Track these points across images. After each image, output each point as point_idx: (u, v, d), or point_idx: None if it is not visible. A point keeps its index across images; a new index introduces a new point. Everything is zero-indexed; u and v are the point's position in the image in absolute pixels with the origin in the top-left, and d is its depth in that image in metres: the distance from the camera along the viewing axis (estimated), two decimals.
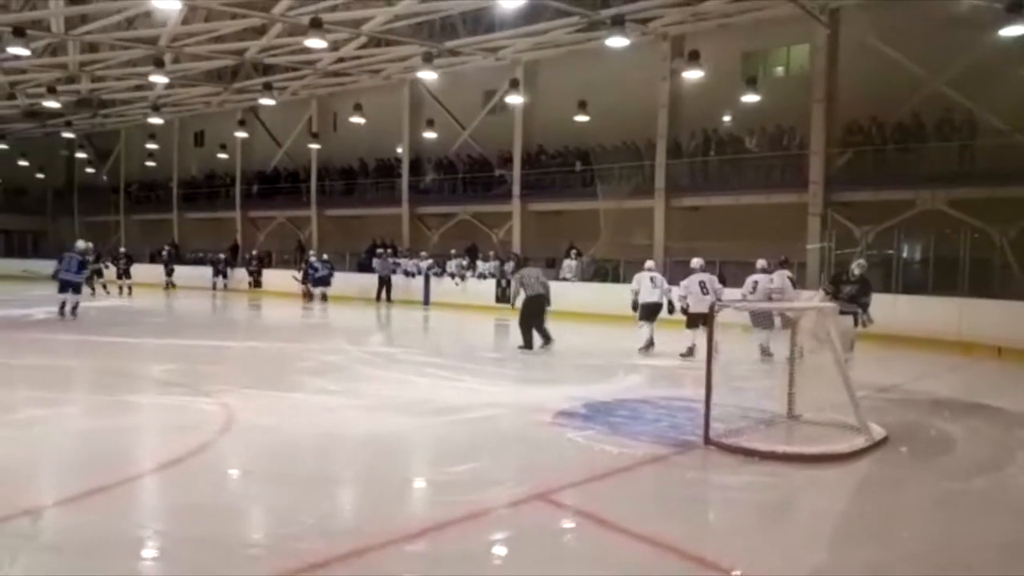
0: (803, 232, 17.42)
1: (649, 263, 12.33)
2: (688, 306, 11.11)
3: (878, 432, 6.24)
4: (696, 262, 11.58)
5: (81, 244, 16.81)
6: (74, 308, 15.45)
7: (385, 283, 22.72)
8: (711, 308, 6.73)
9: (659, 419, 6.98)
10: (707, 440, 5.94)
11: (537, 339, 11.75)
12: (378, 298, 22.56)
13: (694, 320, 10.82)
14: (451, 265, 22.20)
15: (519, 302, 11.95)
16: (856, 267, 10.66)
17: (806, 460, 5.68)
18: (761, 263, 11.88)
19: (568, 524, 4.51)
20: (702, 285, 11.04)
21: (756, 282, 11.46)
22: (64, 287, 15.38)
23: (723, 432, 6.05)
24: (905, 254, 16.81)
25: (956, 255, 14.97)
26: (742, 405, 6.97)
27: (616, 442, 6.07)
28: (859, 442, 5.99)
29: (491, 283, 20.89)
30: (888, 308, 14.24)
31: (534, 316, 11.78)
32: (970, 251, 14.87)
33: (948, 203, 15.89)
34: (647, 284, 11.60)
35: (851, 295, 10.24)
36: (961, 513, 4.89)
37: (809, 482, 5.42)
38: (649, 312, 11.57)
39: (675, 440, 6.17)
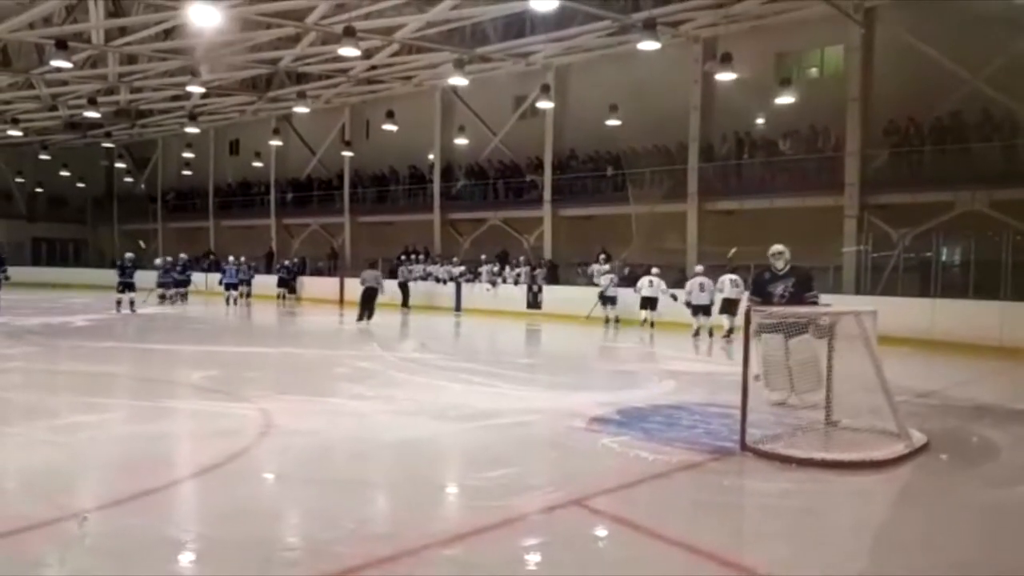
0: (839, 235, 17.18)
1: (655, 269, 16.72)
2: (691, 300, 14.87)
3: (919, 438, 6.14)
4: (698, 268, 15.55)
5: (232, 259, 25.14)
6: (235, 300, 23.99)
7: (403, 288, 22.80)
8: (747, 312, 6.65)
9: (694, 425, 6.93)
10: (743, 446, 5.88)
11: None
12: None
13: (695, 310, 14.85)
14: (484, 272, 22.31)
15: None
16: (775, 257, 8.02)
17: (845, 467, 5.59)
18: (699, 268, 15.51)
19: (603, 530, 4.50)
20: (700, 285, 14.88)
21: (702, 283, 14.88)
22: (228, 287, 24.15)
23: (760, 438, 5.99)
24: (944, 257, 16.50)
25: (998, 258, 14.65)
26: (779, 411, 6.90)
27: (651, 448, 6.03)
28: (899, 448, 5.89)
29: (522, 289, 20.95)
30: (927, 312, 14.06)
31: (368, 301, 17.57)
32: (1012, 254, 14.54)
33: (990, 204, 15.55)
34: (645, 284, 16.33)
35: (789, 294, 7.74)
36: (1004, 522, 4.79)
37: (848, 489, 5.34)
38: (646, 303, 16.31)
39: (711, 446, 6.12)
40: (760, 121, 19.46)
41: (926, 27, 16.31)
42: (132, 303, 19.57)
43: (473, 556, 3.98)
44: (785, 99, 17.85)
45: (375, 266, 18.91)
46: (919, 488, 5.50)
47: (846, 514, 4.97)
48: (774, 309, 6.72)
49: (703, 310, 14.69)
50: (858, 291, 16.32)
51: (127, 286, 19.63)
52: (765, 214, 18.64)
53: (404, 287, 22.81)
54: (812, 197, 17.98)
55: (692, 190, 19.88)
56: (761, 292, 8.01)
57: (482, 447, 6.33)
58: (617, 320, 17.66)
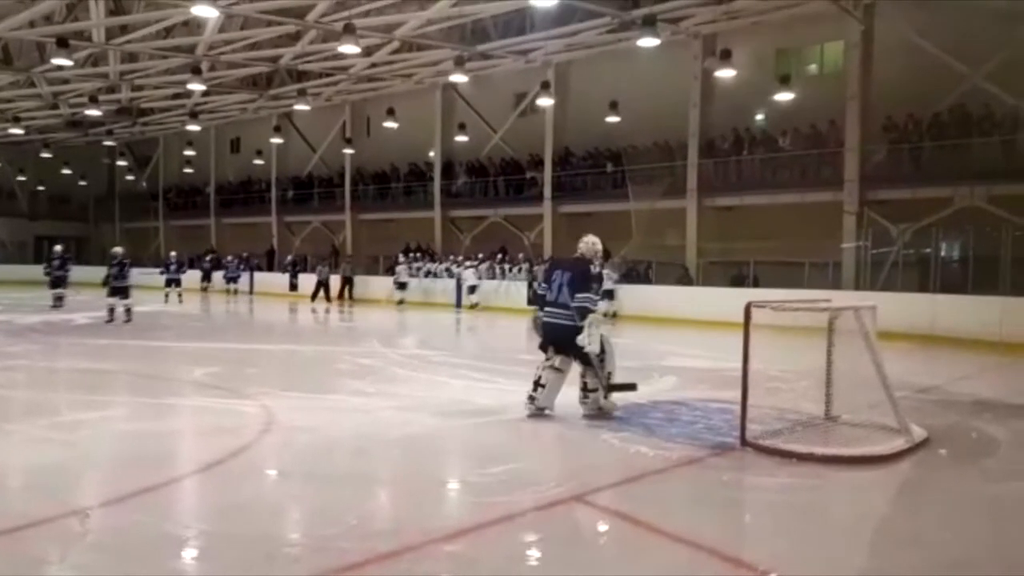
0: (838, 231, 17.20)
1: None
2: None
3: (919, 433, 6.14)
4: (598, 263, 16.92)
5: (231, 257, 28.66)
6: (236, 292, 27.25)
7: (323, 285, 24.61)
8: (746, 308, 6.46)
9: (695, 421, 6.94)
10: (744, 442, 5.90)
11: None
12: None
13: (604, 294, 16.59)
14: (483, 269, 22.37)
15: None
16: (596, 252, 6.92)
17: (845, 462, 5.61)
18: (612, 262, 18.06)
19: (604, 526, 4.52)
20: (608, 276, 17.37)
21: (607, 273, 17.22)
22: (229, 281, 27.51)
23: (760, 433, 6.00)
24: (944, 252, 16.51)
25: (997, 253, 14.65)
26: (779, 406, 6.90)
27: (652, 444, 6.04)
28: (899, 443, 5.90)
29: (522, 286, 20.94)
30: (927, 308, 14.07)
31: (320, 288, 23.67)
32: (1012, 249, 14.54)
33: (988, 200, 15.58)
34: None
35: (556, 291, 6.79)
36: (1005, 516, 4.80)
37: (848, 484, 5.35)
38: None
39: (711, 442, 6.13)
40: (760, 117, 19.49)
41: (926, 23, 16.31)
42: (180, 296, 19.92)
43: (474, 552, 3.99)
44: (785, 95, 17.87)
45: (323, 261, 25.07)
46: (919, 483, 5.51)
47: (846, 509, 4.98)
48: (774, 303, 6.47)
49: (607, 294, 17.33)
50: (858, 287, 16.35)
51: (175, 281, 19.72)
52: (765, 210, 18.68)
53: (349, 281, 24.93)
54: (811, 193, 18.02)
55: (692, 186, 19.89)
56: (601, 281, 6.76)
57: (483, 443, 6.35)
58: (615, 315, 18.01)
